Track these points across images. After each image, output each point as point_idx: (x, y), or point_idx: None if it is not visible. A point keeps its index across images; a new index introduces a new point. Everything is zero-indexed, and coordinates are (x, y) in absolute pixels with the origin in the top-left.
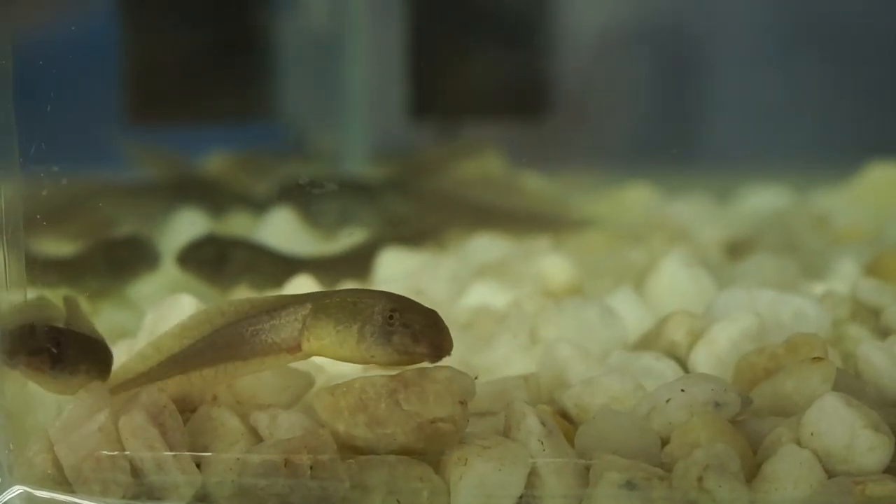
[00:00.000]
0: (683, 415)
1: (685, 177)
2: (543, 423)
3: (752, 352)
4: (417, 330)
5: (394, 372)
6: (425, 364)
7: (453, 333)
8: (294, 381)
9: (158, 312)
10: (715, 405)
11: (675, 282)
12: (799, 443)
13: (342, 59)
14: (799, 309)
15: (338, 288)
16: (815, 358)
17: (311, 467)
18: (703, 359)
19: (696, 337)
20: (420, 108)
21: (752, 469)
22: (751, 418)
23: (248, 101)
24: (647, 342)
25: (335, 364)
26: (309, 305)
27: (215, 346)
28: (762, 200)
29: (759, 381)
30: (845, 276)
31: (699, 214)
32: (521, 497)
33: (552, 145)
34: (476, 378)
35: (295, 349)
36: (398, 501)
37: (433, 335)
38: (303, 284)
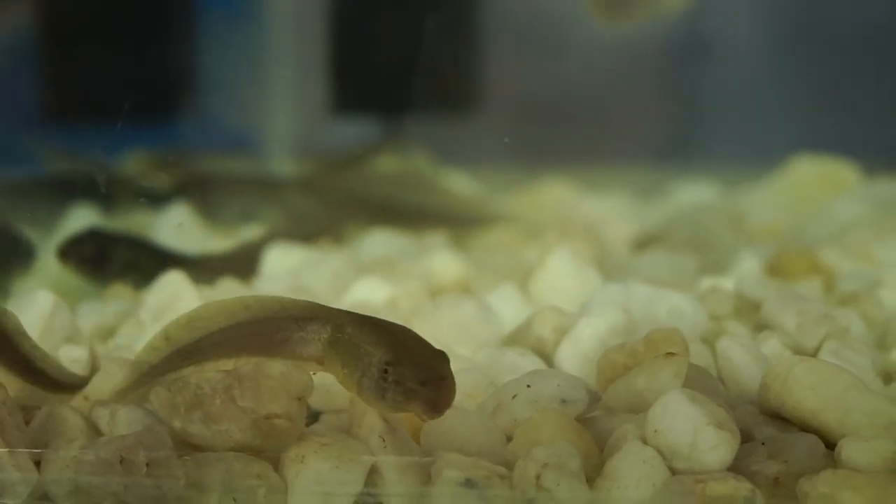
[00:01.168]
0: (529, 412)
1: (615, 173)
2: (386, 420)
3: (613, 348)
4: (410, 388)
5: (230, 367)
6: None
7: None
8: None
9: (16, 308)
10: (562, 402)
11: (561, 278)
12: (644, 440)
13: (265, 54)
14: (675, 305)
15: (224, 292)
16: (668, 353)
17: (146, 465)
18: (569, 355)
19: (562, 333)
20: (345, 105)
21: (597, 467)
22: (603, 416)
23: (170, 99)
24: (515, 338)
25: None
26: (329, 328)
27: (237, 340)
28: (687, 196)
29: (619, 378)
30: (746, 273)
31: (614, 211)
32: (359, 495)
33: (480, 142)
34: (314, 374)
35: (321, 361)
36: (234, 500)
37: (428, 394)
38: (174, 281)
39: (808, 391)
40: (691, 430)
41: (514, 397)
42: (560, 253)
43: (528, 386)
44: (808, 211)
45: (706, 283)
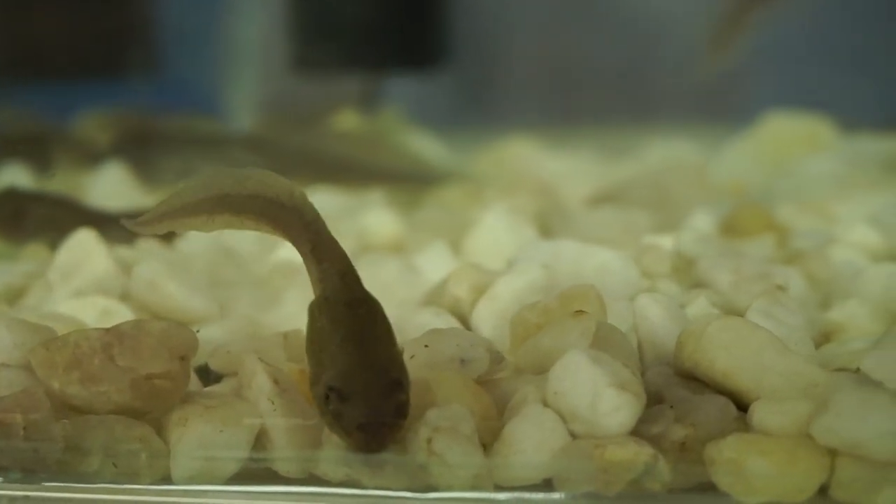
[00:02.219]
0: (426, 372)
1: (588, 133)
2: (277, 382)
3: (526, 307)
4: (345, 426)
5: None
6: None
7: (248, 290)
8: (28, 337)
9: None
10: (461, 362)
11: (495, 236)
12: (545, 403)
13: (229, 11)
14: (603, 262)
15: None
16: (577, 312)
17: (24, 428)
18: (485, 315)
19: (479, 292)
20: (309, 62)
21: (496, 431)
22: (509, 378)
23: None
24: (433, 298)
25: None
26: (319, 289)
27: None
28: (659, 155)
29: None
30: (699, 231)
31: (577, 169)
32: (247, 459)
33: (449, 100)
34: (198, 331)
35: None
36: (115, 465)
37: (361, 439)
38: (84, 240)
39: (721, 350)
40: (591, 391)
41: (411, 358)
42: (496, 210)
43: (426, 346)
44: (777, 168)
45: (650, 240)
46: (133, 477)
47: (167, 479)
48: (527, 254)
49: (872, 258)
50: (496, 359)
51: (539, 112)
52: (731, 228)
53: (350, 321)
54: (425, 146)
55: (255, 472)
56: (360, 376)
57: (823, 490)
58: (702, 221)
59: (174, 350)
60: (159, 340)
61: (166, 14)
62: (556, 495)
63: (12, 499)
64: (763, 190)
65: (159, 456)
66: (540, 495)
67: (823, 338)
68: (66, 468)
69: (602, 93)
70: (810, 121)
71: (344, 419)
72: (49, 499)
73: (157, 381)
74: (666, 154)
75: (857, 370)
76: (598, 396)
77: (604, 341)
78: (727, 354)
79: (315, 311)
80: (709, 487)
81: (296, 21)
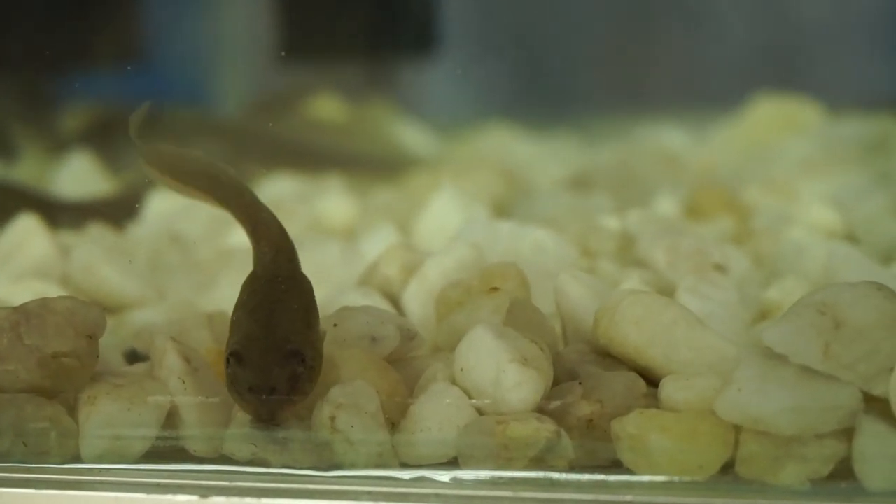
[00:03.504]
0: (334, 350)
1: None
2: (188, 361)
3: (449, 285)
4: (237, 391)
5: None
6: None
7: (187, 275)
8: None
9: None
10: (371, 340)
11: (442, 218)
12: (453, 380)
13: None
14: (538, 241)
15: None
16: (491, 289)
17: None
18: (415, 294)
19: (410, 272)
20: (293, 50)
21: (404, 409)
22: (424, 356)
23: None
24: (366, 279)
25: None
26: (253, 265)
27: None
28: (645, 139)
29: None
30: (655, 212)
31: (551, 154)
32: (156, 438)
33: (438, 88)
34: (105, 309)
35: None
36: (24, 444)
37: (251, 403)
38: (25, 226)
39: (632, 326)
40: (495, 367)
41: (324, 335)
42: (445, 193)
43: (335, 325)
44: (755, 151)
45: (604, 221)
46: (43, 456)
47: (77, 459)
48: (465, 234)
49: (829, 237)
50: (408, 336)
51: (528, 97)
52: (693, 210)
53: (265, 294)
54: (410, 134)
55: (166, 451)
56: (259, 343)
57: (729, 466)
58: (665, 203)
59: (80, 328)
60: (65, 319)
61: (152, 4)
62: (459, 473)
63: None
64: (735, 172)
65: (69, 435)
66: (443, 473)
67: (761, 316)
68: None
69: (593, 78)
70: (795, 103)
71: (238, 383)
72: None
73: (64, 359)
74: (649, 139)
75: None
76: (502, 372)
77: (518, 318)
78: (638, 330)
79: (243, 285)
80: (616, 464)
81: (283, 8)
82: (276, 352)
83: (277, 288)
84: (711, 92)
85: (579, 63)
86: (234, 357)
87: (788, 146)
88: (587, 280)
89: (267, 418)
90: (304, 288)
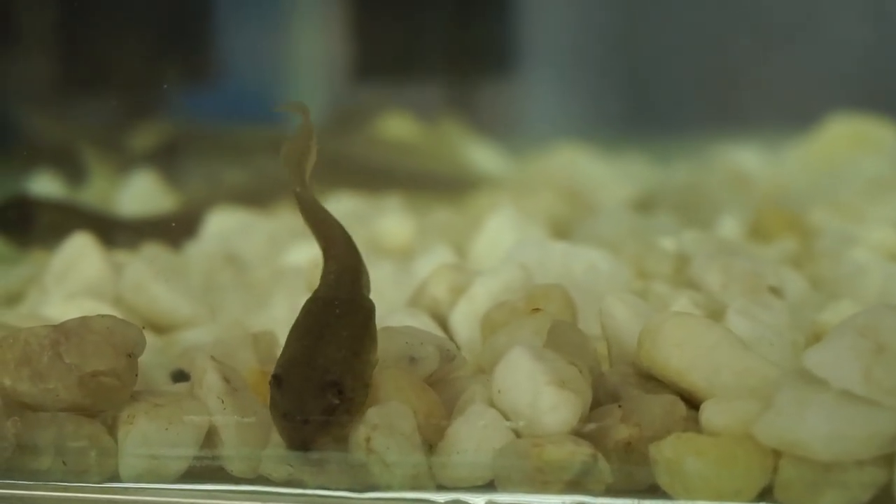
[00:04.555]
0: (374, 371)
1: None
2: (228, 381)
3: (495, 307)
4: (274, 414)
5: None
6: None
7: (239, 293)
8: None
9: None
10: (410, 360)
11: (498, 239)
12: (491, 402)
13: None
14: (591, 262)
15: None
16: (533, 310)
17: None
18: (463, 315)
19: (458, 292)
20: (367, 69)
21: (442, 431)
22: (465, 376)
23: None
24: (414, 299)
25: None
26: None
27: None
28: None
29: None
30: (725, 232)
31: (620, 174)
32: (195, 458)
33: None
34: (143, 328)
35: None
36: (64, 463)
37: (284, 428)
38: (79, 244)
39: (674, 348)
40: (532, 389)
41: None
42: (502, 213)
43: None
44: (827, 170)
45: (661, 242)
46: (82, 475)
47: (116, 478)
48: (516, 255)
49: (891, 259)
50: (447, 357)
51: (602, 117)
52: (756, 231)
53: (318, 317)
54: (481, 153)
55: (204, 471)
56: (299, 370)
57: (767, 492)
58: (728, 224)
59: (119, 347)
60: (104, 337)
61: (226, 22)
62: (495, 496)
63: None
64: (805, 192)
65: (108, 454)
66: (479, 496)
67: (814, 339)
68: (17, 465)
69: (668, 98)
70: (871, 123)
71: (275, 408)
72: (0, 496)
73: (104, 378)
74: (722, 159)
75: None
76: (539, 394)
77: (559, 340)
78: (680, 352)
79: (304, 304)
80: (654, 489)
81: (357, 26)
82: (314, 381)
83: (332, 312)
84: (788, 111)
85: (655, 82)
86: (276, 381)
87: (860, 166)
88: (633, 302)
89: (299, 446)
90: (361, 313)
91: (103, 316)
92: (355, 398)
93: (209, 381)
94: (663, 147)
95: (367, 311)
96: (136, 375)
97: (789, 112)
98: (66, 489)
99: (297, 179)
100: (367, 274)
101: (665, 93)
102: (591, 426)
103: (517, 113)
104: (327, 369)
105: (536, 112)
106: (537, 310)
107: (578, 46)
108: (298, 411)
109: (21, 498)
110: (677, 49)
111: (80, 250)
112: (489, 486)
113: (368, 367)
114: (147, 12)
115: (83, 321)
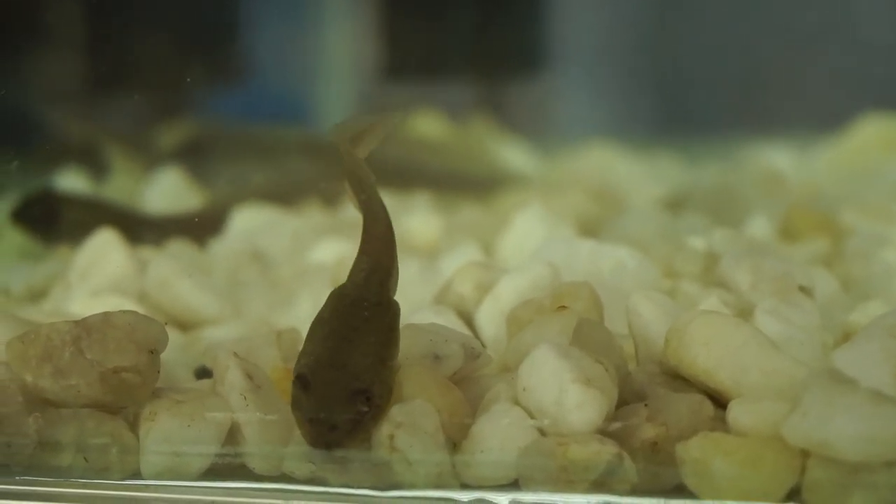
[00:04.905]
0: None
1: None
2: (250, 378)
3: (521, 304)
4: (297, 417)
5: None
6: None
7: (264, 290)
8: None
9: None
10: (435, 358)
11: (526, 237)
12: (516, 400)
13: (319, 19)
14: (618, 260)
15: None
16: (559, 308)
17: None
18: (488, 313)
19: (484, 290)
20: (397, 68)
21: (466, 429)
22: (491, 375)
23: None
24: (440, 296)
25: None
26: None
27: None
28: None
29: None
30: (755, 232)
31: (651, 173)
32: (217, 455)
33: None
34: (166, 325)
35: None
36: (86, 459)
37: (308, 432)
38: (103, 241)
39: (702, 347)
40: (557, 387)
41: None
42: (529, 212)
43: None
44: (859, 171)
45: (691, 241)
46: (104, 472)
47: (137, 475)
48: (543, 253)
49: None
50: (472, 355)
51: (633, 116)
52: (787, 231)
53: (346, 318)
54: (511, 152)
55: (226, 469)
56: (327, 373)
57: (795, 493)
58: (759, 224)
59: (141, 343)
60: (126, 333)
61: (256, 24)
62: (519, 495)
63: None
64: (836, 193)
65: (130, 451)
66: (503, 495)
67: (844, 339)
68: (39, 462)
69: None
70: None
71: (301, 409)
72: (22, 493)
73: (125, 374)
74: (754, 159)
75: None
76: (564, 392)
77: (585, 338)
78: (707, 351)
79: (329, 298)
80: (680, 489)
81: (386, 25)
82: (343, 388)
83: (360, 314)
84: (818, 112)
85: (686, 82)
86: (301, 381)
87: (891, 167)
88: (660, 300)
89: (324, 448)
90: (388, 317)
91: (125, 312)
92: (382, 404)
93: (232, 378)
94: (694, 147)
95: (394, 314)
96: (158, 372)
97: (820, 113)
98: (87, 486)
99: (353, 161)
100: (397, 274)
101: (696, 93)
102: (617, 425)
103: (548, 112)
104: (357, 376)
105: (567, 111)
106: (563, 307)
107: (609, 46)
108: (326, 417)
109: (42, 494)
110: (708, 49)
111: (105, 246)
112: (513, 485)
113: (392, 372)
114: (175, 11)
115: (105, 317)
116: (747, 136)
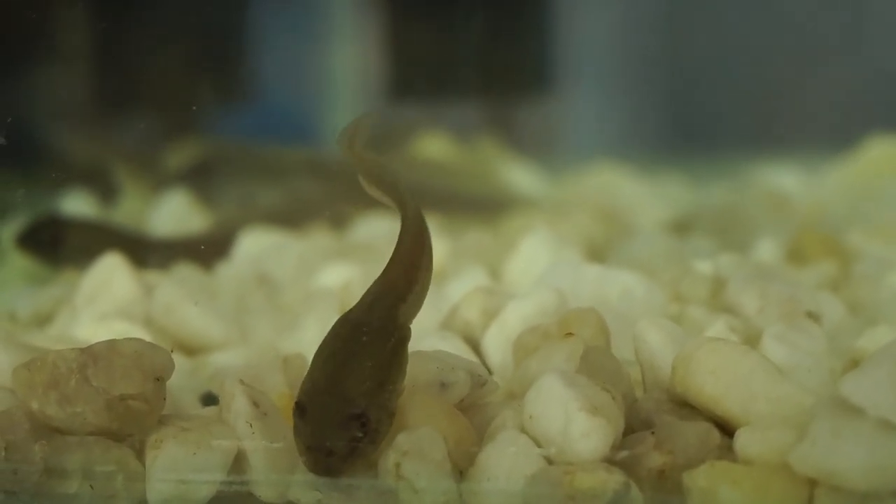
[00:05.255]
0: (404, 396)
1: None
2: (257, 405)
3: (527, 330)
4: (298, 443)
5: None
6: None
7: (271, 315)
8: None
9: None
10: (441, 385)
11: (532, 261)
12: (522, 428)
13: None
14: (626, 286)
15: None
16: (566, 334)
17: (5, 449)
18: (495, 339)
19: (491, 316)
20: (404, 88)
21: (472, 457)
22: (496, 402)
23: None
24: (447, 322)
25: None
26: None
27: None
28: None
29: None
30: (763, 255)
31: (657, 195)
32: (222, 483)
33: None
34: (172, 351)
35: None
36: (92, 487)
37: (309, 460)
38: (109, 265)
39: (709, 375)
40: (563, 415)
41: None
42: (535, 235)
43: None
44: (865, 192)
45: (698, 265)
46: (110, 500)
47: (143, 503)
48: (549, 278)
49: None
50: (478, 382)
51: (639, 138)
52: (795, 254)
53: (345, 342)
54: (518, 174)
55: (232, 496)
56: (324, 399)
57: None
58: (766, 247)
59: (148, 371)
60: (132, 361)
61: (261, 41)
62: None
63: None
64: (844, 214)
65: (136, 479)
66: None
67: (852, 365)
68: (45, 490)
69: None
70: None
71: (299, 436)
72: None
73: (132, 402)
74: (760, 180)
75: None
76: (570, 420)
77: (592, 365)
78: (715, 379)
79: (335, 323)
80: None
81: (393, 46)
82: (337, 412)
83: (359, 339)
84: (826, 132)
85: (692, 103)
86: (299, 408)
87: None
88: (667, 327)
89: (324, 475)
90: (390, 341)
91: (131, 339)
92: (380, 429)
93: (238, 405)
94: (701, 168)
95: (399, 339)
96: (165, 399)
97: (827, 134)
98: None
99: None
100: (417, 299)
101: (703, 114)
102: (624, 453)
103: (554, 132)
104: (351, 401)
105: (574, 132)
106: (570, 334)
107: (617, 66)
108: (322, 443)
109: None
110: (715, 70)
111: (111, 271)
112: None
113: (394, 397)
114: (182, 31)
115: (111, 344)
116: (753, 157)
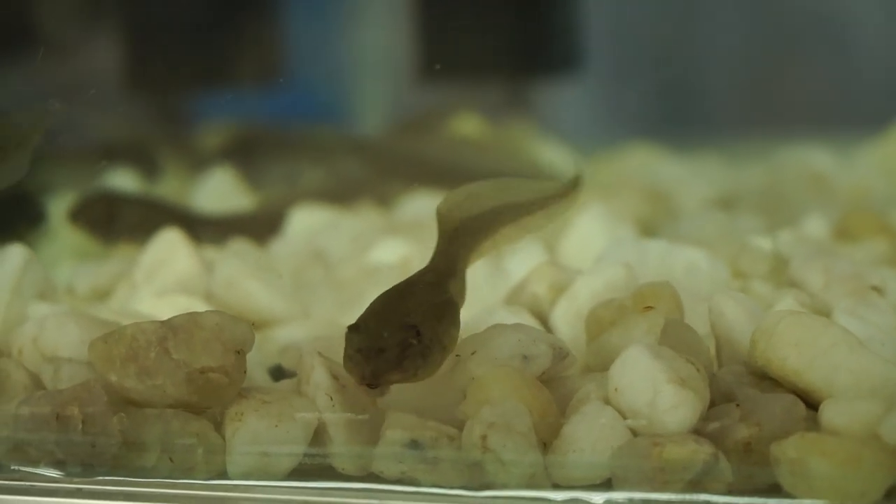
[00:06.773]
0: (486, 369)
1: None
2: (336, 377)
3: (601, 304)
4: (347, 353)
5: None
6: None
7: (332, 292)
8: (96, 334)
9: None
10: (523, 358)
11: (589, 237)
12: (606, 401)
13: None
14: (691, 261)
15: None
16: (645, 308)
17: (82, 422)
18: (564, 313)
19: (559, 291)
20: (432, 69)
21: (556, 429)
22: (575, 375)
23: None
24: (514, 297)
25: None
26: None
27: None
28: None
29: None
30: (805, 234)
31: (696, 174)
32: (304, 455)
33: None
34: (253, 325)
35: None
36: (171, 460)
37: (356, 362)
38: (169, 240)
39: (791, 348)
40: (651, 387)
41: (473, 353)
42: (590, 212)
43: (473, 353)
44: None
45: (755, 241)
46: (189, 472)
47: (224, 475)
48: (612, 253)
49: None
50: (559, 355)
51: (670, 118)
52: (843, 233)
53: (399, 289)
54: (552, 154)
55: (313, 469)
56: (378, 316)
57: (893, 493)
58: (814, 225)
59: (228, 344)
60: (213, 334)
61: (294, 22)
62: (613, 495)
63: (70, 492)
64: (886, 195)
65: (216, 452)
66: (597, 495)
67: None
68: (123, 462)
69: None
70: None
71: (349, 346)
72: (106, 493)
73: (212, 374)
74: (794, 160)
75: None
76: (658, 393)
77: (672, 338)
78: (797, 352)
79: None
80: (775, 489)
81: (425, 27)
82: (392, 322)
83: (413, 288)
84: (855, 114)
85: (721, 84)
86: (352, 328)
87: None
88: (743, 300)
89: (369, 380)
90: (441, 296)
91: (212, 312)
92: (433, 348)
93: (317, 378)
94: (731, 149)
95: (450, 299)
96: (245, 372)
97: (858, 114)
98: (172, 486)
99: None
100: (461, 282)
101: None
102: (713, 425)
103: (586, 113)
104: (407, 315)
105: (603, 113)
106: (649, 308)
107: (641, 48)
108: (374, 344)
109: (127, 494)
110: (744, 50)
111: (170, 246)
112: (605, 485)
113: (447, 336)
114: (215, 12)
115: (192, 317)
116: (782, 138)
